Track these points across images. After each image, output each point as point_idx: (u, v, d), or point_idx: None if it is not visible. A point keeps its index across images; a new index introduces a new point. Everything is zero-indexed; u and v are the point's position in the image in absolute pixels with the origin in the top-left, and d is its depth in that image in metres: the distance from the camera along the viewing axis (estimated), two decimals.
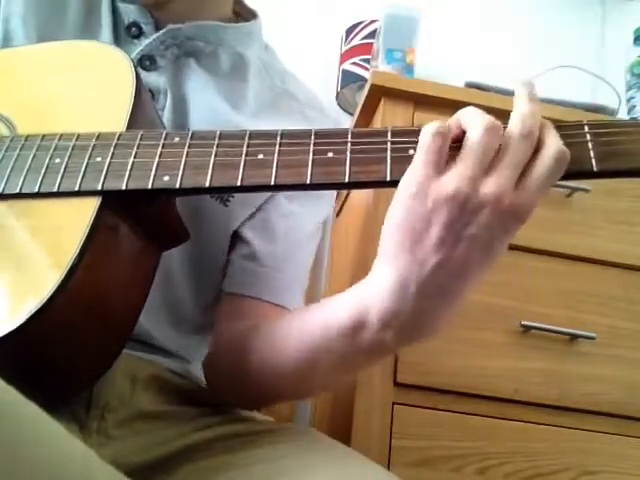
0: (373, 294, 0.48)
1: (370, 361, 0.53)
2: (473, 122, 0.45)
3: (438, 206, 0.44)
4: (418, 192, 0.44)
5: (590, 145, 0.46)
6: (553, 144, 0.45)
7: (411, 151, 0.48)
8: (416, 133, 0.48)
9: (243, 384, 0.64)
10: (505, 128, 0.45)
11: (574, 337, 0.95)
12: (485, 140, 0.44)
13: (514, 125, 0.45)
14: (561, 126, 0.47)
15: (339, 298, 0.52)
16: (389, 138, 0.48)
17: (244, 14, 0.81)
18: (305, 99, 0.81)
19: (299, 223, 0.76)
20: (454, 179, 0.44)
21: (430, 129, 0.45)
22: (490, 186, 0.43)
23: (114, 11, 0.72)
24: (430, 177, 0.44)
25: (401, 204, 0.45)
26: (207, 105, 0.72)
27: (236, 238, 0.75)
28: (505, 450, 0.90)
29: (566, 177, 0.46)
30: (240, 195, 0.71)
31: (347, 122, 1.46)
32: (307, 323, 0.56)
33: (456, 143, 0.46)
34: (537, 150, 0.45)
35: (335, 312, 0.52)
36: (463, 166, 0.44)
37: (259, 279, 0.72)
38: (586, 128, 0.47)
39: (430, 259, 0.45)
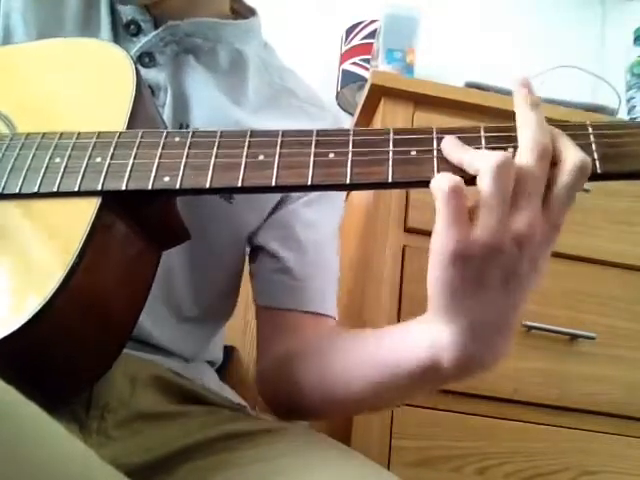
0: (444, 343, 0.48)
1: (437, 388, 0.58)
2: (481, 167, 0.44)
3: (482, 259, 0.44)
4: (455, 255, 0.44)
5: (594, 147, 0.46)
6: (571, 157, 0.44)
7: (413, 153, 0.47)
8: (418, 134, 0.48)
9: (295, 404, 0.67)
10: (515, 150, 0.45)
11: (574, 337, 0.95)
12: (498, 183, 0.43)
13: (525, 152, 0.44)
14: (564, 126, 0.47)
15: (409, 332, 0.53)
16: (391, 139, 0.48)
17: (242, 11, 0.81)
18: (305, 95, 0.81)
19: (321, 230, 0.77)
20: (484, 234, 0.43)
21: (445, 188, 0.43)
22: (520, 222, 0.43)
23: (112, 9, 0.72)
24: (460, 237, 0.43)
25: (442, 266, 0.45)
26: (208, 101, 0.72)
27: (261, 251, 0.75)
28: (505, 450, 0.90)
29: None
30: None
31: (347, 122, 1.46)
32: (372, 359, 0.57)
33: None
34: (555, 163, 0.44)
35: (408, 348, 0.53)
36: (487, 215, 0.43)
37: (294, 291, 0.73)
38: (590, 129, 0.47)
39: (490, 305, 0.46)
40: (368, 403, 0.61)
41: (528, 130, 0.45)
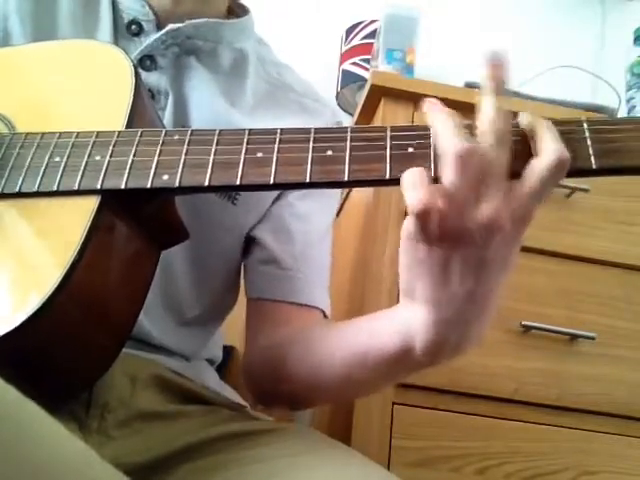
0: (417, 326, 0.49)
1: (409, 375, 0.57)
2: (444, 157, 0.44)
3: (450, 247, 0.44)
4: (423, 245, 0.44)
5: (589, 142, 0.46)
6: (550, 150, 0.44)
7: (410, 149, 0.48)
8: (415, 130, 0.48)
9: (283, 392, 0.67)
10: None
11: (574, 337, 0.95)
12: (459, 173, 0.43)
13: (482, 138, 0.44)
14: (560, 123, 0.47)
15: (386, 317, 0.55)
16: (388, 136, 0.48)
17: (236, 9, 0.81)
18: (302, 90, 0.81)
19: (313, 223, 0.77)
20: (453, 220, 0.43)
21: (411, 184, 0.43)
22: (486, 210, 0.43)
23: (114, 7, 0.72)
24: (429, 230, 0.43)
25: (411, 255, 0.46)
26: (207, 104, 0.72)
27: (251, 242, 0.75)
28: (505, 450, 0.90)
29: (566, 175, 0.46)
30: (247, 193, 0.71)
31: (347, 122, 1.46)
32: (353, 344, 0.58)
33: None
34: (534, 153, 0.44)
35: (383, 333, 0.54)
36: (454, 203, 0.43)
37: (282, 281, 0.73)
38: (585, 125, 0.47)
39: (459, 292, 0.46)
40: (351, 389, 0.62)
41: (484, 115, 0.45)
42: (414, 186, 0.43)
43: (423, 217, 0.43)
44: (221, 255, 0.74)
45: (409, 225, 0.45)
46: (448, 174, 0.43)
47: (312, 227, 0.77)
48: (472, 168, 0.43)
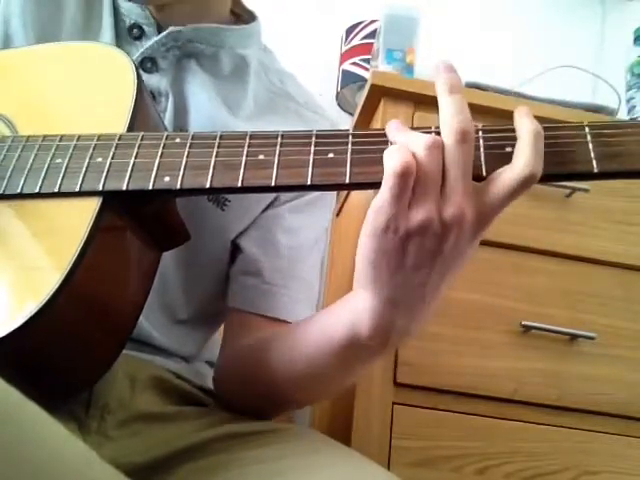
0: (362, 312, 0.50)
1: (365, 364, 0.57)
2: (415, 148, 0.44)
3: (409, 237, 0.45)
4: (388, 227, 0.45)
5: (591, 146, 0.46)
6: (521, 164, 0.44)
7: None
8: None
9: (255, 395, 0.67)
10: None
11: (574, 337, 0.95)
12: (429, 164, 0.44)
13: (444, 136, 0.45)
14: (562, 127, 0.47)
15: (335, 310, 0.56)
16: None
17: (243, 15, 0.81)
18: (303, 100, 0.81)
19: (300, 239, 0.76)
20: (419, 211, 0.44)
21: (395, 168, 0.44)
22: (449, 208, 0.44)
23: (115, 11, 0.72)
24: (398, 212, 0.44)
25: (373, 237, 0.46)
26: (206, 108, 0.72)
27: (237, 252, 0.74)
28: (505, 450, 0.90)
29: (567, 178, 0.47)
30: (237, 199, 0.71)
31: (347, 122, 1.46)
32: (311, 333, 0.59)
33: None
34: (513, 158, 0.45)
35: (331, 324, 0.55)
36: (420, 196, 0.44)
37: (265, 296, 0.72)
38: (587, 129, 0.47)
39: (409, 281, 0.47)
40: (315, 385, 0.62)
41: (444, 114, 0.45)
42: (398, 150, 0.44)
43: (403, 179, 0.43)
44: (209, 260, 0.74)
45: (378, 210, 0.45)
46: (418, 162, 0.44)
47: (300, 242, 0.76)
48: (436, 160, 0.44)
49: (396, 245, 0.45)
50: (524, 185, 0.44)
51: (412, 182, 0.44)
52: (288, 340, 0.62)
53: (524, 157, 0.44)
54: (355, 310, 0.51)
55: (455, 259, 0.46)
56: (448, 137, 0.45)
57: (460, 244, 0.45)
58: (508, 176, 0.44)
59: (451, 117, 0.45)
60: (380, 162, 0.47)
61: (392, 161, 0.44)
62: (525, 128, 0.45)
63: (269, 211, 0.75)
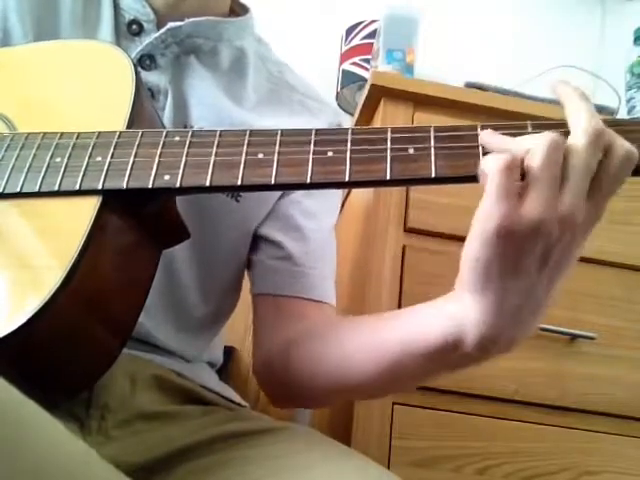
0: (468, 321, 0.48)
1: (450, 373, 0.55)
2: (534, 144, 0.44)
3: (524, 238, 0.44)
4: (500, 230, 0.44)
5: None
6: (619, 146, 0.44)
7: (411, 150, 0.48)
8: (416, 131, 0.48)
9: (303, 390, 0.67)
10: (566, 136, 0.45)
11: (574, 337, 0.95)
12: (551, 161, 0.43)
13: (580, 135, 0.44)
14: (561, 124, 0.47)
15: (425, 314, 0.53)
16: (389, 137, 0.48)
17: (236, 8, 0.81)
18: (304, 90, 0.82)
19: (321, 220, 0.78)
20: (532, 211, 0.43)
21: (497, 165, 0.44)
22: (566, 205, 0.43)
23: (114, 6, 0.72)
24: (508, 213, 0.43)
25: (484, 241, 0.45)
26: (208, 102, 0.72)
27: (261, 240, 0.76)
28: (505, 450, 0.90)
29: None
30: None
31: (347, 122, 1.46)
32: (385, 340, 0.56)
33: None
34: (609, 155, 0.45)
35: (424, 333, 0.52)
36: (536, 194, 0.43)
37: (296, 278, 0.73)
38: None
39: (521, 286, 0.46)
40: (383, 385, 0.60)
41: (583, 115, 0.45)
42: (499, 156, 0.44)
43: (506, 174, 0.43)
44: (226, 253, 0.74)
45: (489, 213, 0.44)
46: (537, 160, 0.43)
47: (321, 224, 0.78)
48: (557, 159, 0.43)
49: (512, 249, 0.44)
50: (629, 165, 0.44)
51: (515, 179, 0.44)
52: (354, 339, 0.60)
53: (616, 139, 0.45)
54: (456, 318, 0.49)
55: (565, 263, 0.46)
56: (581, 138, 0.44)
57: (570, 246, 0.45)
58: (611, 162, 0.44)
59: (587, 119, 0.45)
60: (379, 160, 0.47)
61: (492, 161, 0.44)
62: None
63: (285, 198, 0.76)
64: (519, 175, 0.44)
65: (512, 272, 0.45)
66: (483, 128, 0.48)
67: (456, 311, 0.49)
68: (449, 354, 0.50)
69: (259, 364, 0.74)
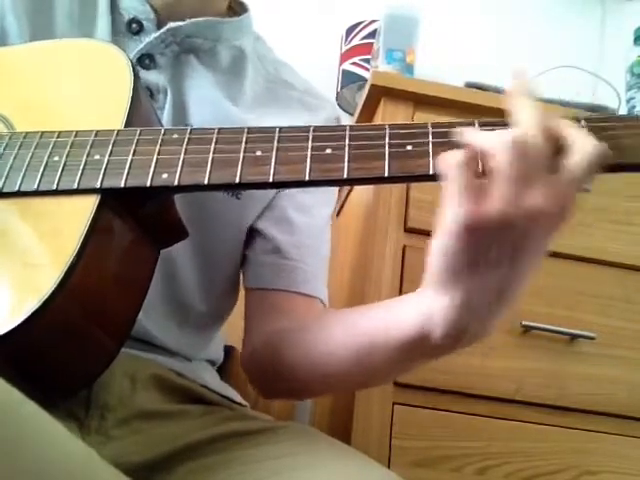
0: (437, 310, 0.49)
1: (428, 361, 0.57)
2: (500, 140, 0.44)
3: (490, 232, 0.44)
4: (468, 223, 0.44)
5: None
6: (583, 141, 0.45)
7: (409, 147, 0.48)
8: (414, 128, 0.48)
9: (288, 380, 0.67)
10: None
11: (574, 337, 0.95)
12: (517, 155, 0.43)
13: (525, 130, 0.45)
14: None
15: (398, 308, 0.55)
16: (387, 134, 0.48)
17: (235, 7, 0.81)
18: (302, 87, 0.82)
19: (314, 215, 0.78)
20: (498, 204, 0.44)
21: (453, 162, 0.44)
22: (533, 198, 0.44)
23: (112, 4, 0.72)
24: (471, 208, 0.44)
25: (450, 235, 0.45)
26: (207, 101, 0.72)
27: (253, 234, 0.76)
28: (505, 450, 0.90)
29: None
30: None
31: (347, 122, 1.46)
32: (366, 329, 0.58)
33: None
34: (567, 150, 0.45)
35: (398, 323, 0.54)
36: (502, 187, 0.44)
37: (286, 272, 0.73)
38: (583, 122, 0.47)
39: (488, 279, 0.46)
40: (362, 376, 0.61)
41: (531, 114, 0.45)
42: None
43: (463, 169, 0.44)
44: (227, 251, 0.75)
45: (455, 209, 0.45)
46: (501, 155, 0.44)
47: (314, 219, 0.77)
48: (521, 156, 0.44)
49: (478, 242, 0.45)
50: (594, 162, 0.44)
51: (473, 175, 0.44)
52: (337, 330, 0.61)
53: (580, 134, 0.45)
54: (426, 311, 0.50)
55: (532, 256, 0.46)
56: (535, 131, 0.44)
57: (539, 239, 0.45)
58: (576, 155, 0.44)
59: (535, 114, 0.45)
60: (378, 157, 0.47)
61: (450, 156, 0.45)
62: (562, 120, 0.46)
63: (281, 192, 0.76)
64: (481, 170, 0.45)
65: (477, 266, 0.46)
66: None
67: (426, 304, 0.50)
68: (420, 345, 0.52)
69: (246, 356, 0.74)
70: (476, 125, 0.48)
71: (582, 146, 0.44)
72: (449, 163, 0.45)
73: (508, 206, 0.43)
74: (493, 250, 0.45)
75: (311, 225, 0.77)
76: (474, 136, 0.47)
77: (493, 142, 0.45)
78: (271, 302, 0.73)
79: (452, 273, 0.47)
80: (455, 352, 0.52)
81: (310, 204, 0.77)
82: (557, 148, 0.45)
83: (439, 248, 0.47)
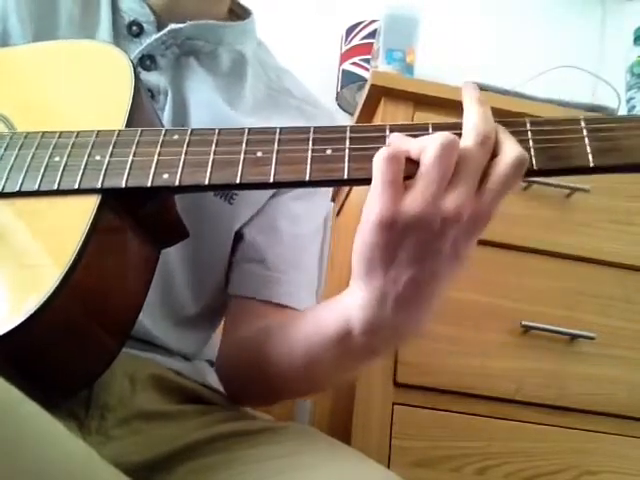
0: (354, 307, 0.51)
1: (362, 362, 0.57)
2: (428, 143, 0.45)
3: (404, 230, 0.45)
4: (383, 219, 0.45)
5: (587, 141, 0.46)
6: (510, 150, 0.45)
7: None
8: (414, 129, 0.48)
9: (255, 382, 0.67)
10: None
11: (574, 337, 0.95)
12: (441, 158, 0.44)
13: (468, 135, 0.46)
14: (557, 121, 0.47)
15: (330, 304, 0.56)
16: (387, 134, 0.49)
17: (238, 11, 0.81)
18: (301, 95, 0.82)
19: (304, 225, 0.77)
20: (416, 202, 0.44)
21: (380, 155, 0.45)
22: (451, 202, 0.44)
23: (113, 7, 0.72)
24: (392, 203, 0.45)
25: (368, 230, 0.46)
26: (206, 105, 0.72)
27: (239, 239, 0.75)
28: (505, 450, 0.90)
29: (563, 173, 0.47)
30: (244, 192, 0.71)
31: (347, 122, 1.46)
32: (306, 326, 0.59)
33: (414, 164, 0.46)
34: (495, 155, 0.45)
35: (325, 319, 0.56)
36: (423, 187, 0.44)
37: (268, 282, 0.73)
38: (583, 123, 0.47)
39: (402, 276, 0.47)
40: (309, 379, 0.62)
41: (473, 118, 0.46)
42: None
43: (391, 162, 0.44)
44: (217, 254, 0.74)
45: (373, 203, 0.45)
46: (427, 156, 0.44)
47: (302, 230, 0.77)
48: (449, 158, 0.44)
49: (392, 239, 0.45)
50: (518, 168, 0.45)
51: (401, 170, 0.45)
52: (289, 330, 0.62)
53: (509, 143, 0.45)
54: (349, 305, 0.51)
55: (452, 258, 0.46)
56: (469, 139, 0.45)
57: (458, 242, 0.46)
58: (502, 166, 0.45)
59: (477, 120, 0.46)
60: None
61: (378, 152, 0.45)
62: (495, 125, 0.47)
63: (273, 199, 0.76)
64: (404, 167, 0.45)
65: (392, 263, 0.46)
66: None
67: (348, 299, 0.52)
68: (344, 341, 0.53)
69: (218, 361, 0.74)
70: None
71: (506, 155, 0.45)
72: (377, 157, 0.45)
73: (427, 206, 0.44)
74: (408, 248, 0.46)
75: (299, 236, 0.76)
76: (402, 137, 0.47)
77: (422, 143, 0.45)
78: (252, 311, 0.72)
79: (369, 267, 0.48)
80: (381, 352, 0.53)
81: (301, 213, 0.77)
82: (492, 154, 0.46)
83: (359, 241, 0.48)
